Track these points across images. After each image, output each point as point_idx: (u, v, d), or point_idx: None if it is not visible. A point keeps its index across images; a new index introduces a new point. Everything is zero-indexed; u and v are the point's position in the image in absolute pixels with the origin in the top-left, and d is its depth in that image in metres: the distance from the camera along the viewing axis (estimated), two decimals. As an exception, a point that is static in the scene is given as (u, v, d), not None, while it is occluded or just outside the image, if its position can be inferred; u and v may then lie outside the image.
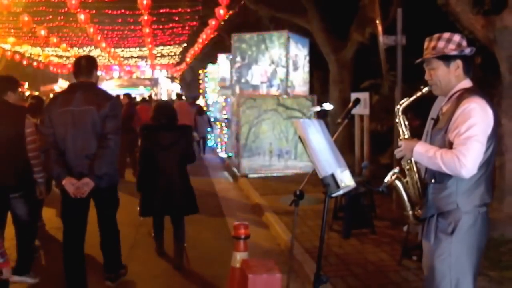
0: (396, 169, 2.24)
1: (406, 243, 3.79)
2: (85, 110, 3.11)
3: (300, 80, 8.68)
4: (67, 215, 3.23)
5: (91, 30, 13.40)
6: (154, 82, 32.82)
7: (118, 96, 7.73)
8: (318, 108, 8.09)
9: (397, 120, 2.26)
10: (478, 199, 2.03)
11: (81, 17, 11.09)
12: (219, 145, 11.40)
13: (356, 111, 6.86)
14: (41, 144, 3.37)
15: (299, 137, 2.13)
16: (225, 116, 10.28)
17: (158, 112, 3.95)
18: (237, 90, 8.50)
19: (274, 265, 2.52)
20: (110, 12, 12.94)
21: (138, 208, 4.04)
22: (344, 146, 8.73)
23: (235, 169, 8.39)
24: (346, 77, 9.42)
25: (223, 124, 10.63)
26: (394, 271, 3.63)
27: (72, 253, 3.28)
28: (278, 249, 4.48)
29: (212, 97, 12.99)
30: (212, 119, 12.45)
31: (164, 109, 4.03)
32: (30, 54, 21.34)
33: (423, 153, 2.03)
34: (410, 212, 2.23)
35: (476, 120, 1.94)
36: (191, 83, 27.59)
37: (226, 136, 10.41)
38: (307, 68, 8.93)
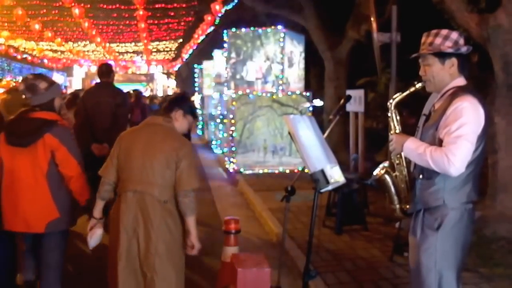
0: (386, 163, 2.25)
1: (398, 240, 3.80)
2: (107, 101, 4.64)
3: (295, 76, 8.67)
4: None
5: (86, 24, 13.30)
6: (150, 78, 32.72)
7: (128, 92, 9.28)
8: (308, 104, 8.08)
9: (389, 115, 2.27)
10: (465, 196, 2.05)
11: (76, 11, 11.00)
12: (213, 141, 11.38)
13: (351, 108, 6.89)
14: (77, 121, 4.77)
15: (289, 133, 2.13)
16: (220, 112, 10.25)
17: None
18: (232, 86, 8.48)
19: (264, 259, 2.52)
20: (105, 6, 12.85)
21: None
22: (339, 144, 8.76)
23: (229, 165, 8.39)
24: (342, 74, 9.43)
25: (218, 120, 10.61)
26: (385, 267, 3.65)
27: None
28: (271, 244, 4.49)
29: (207, 93, 12.95)
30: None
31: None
32: (24, 48, 21.18)
33: (413, 149, 2.04)
34: (397, 206, 2.26)
35: (467, 119, 1.95)
36: (186, 79, 27.51)
37: (220, 132, 10.39)
38: (302, 65, 8.91)
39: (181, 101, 2.61)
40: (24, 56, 23.01)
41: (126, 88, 10.60)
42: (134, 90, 10.23)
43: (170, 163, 2.40)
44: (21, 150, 2.60)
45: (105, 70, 4.85)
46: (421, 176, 2.11)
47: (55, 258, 2.71)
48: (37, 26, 13.11)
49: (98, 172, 2.57)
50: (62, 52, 22.79)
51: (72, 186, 2.66)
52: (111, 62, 29.63)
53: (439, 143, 2.01)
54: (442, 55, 2.08)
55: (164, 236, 2.37)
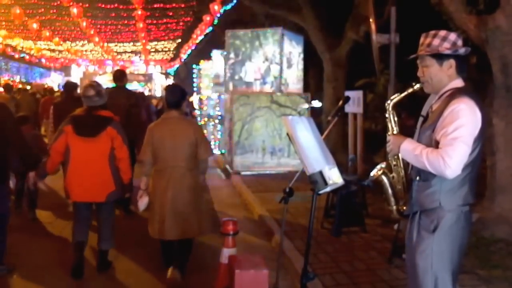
0: (383, 164, 2.25)
1: (397, 241, 3.79)
2: (122, 102, 5.38)
3: (294, 77, 8.66)
4: None
5: (84, 24, 13.26)
6: (148, 78, 32.62)
7: (141, 92, 10.40)
8: (306, 106, 8.06)
9: (386, 116, 2.26)
10: (461, 198, 2.04)
11: (74, 10, 10.96)
12: (212, 142, 11.36)
13: (349, 109, 6.88)
14: None
15: (287, 134, 2.12)
16: (219, 113, 10.23)
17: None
18: (231, 86, 8.46)
19: (261, 261, 2.51)
20: (103, 6, 12.82)
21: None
22: (338, 145, 8.75)
23: (227, 166, 8.37)
24: (340, 75, 9.42)
25: (216, 121, 10.58)
26: (383, 269, 3.64)
27: None
28: (269, 246, 4.47)
29: (206, 93, 12.92)
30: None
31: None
32: (22, 47, 21.10)
33: (410, 150, 2.04)
34: (394, 207, 2.25)
35: (463, 121, 1.94)
36: (185, 79, 27.46)
37: (219, 133, 10.38)
38: (301, 66, 8.90)
39: (184, 95, 3.63)
40: (22, 55, 22.94)
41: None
42: (139, 92, 10.89)
43: (191, 143, 3.46)
44: (89, 139, 3.50)
45: (119, 75, 5.82)
46: (417, 178, 2.11)
47: (110, 220, 3.75)
48: (35, 25, 13.07)
49: (139, 157, 3.61)
50: (60, 51, 22.74)
51: (121, 166, 3.60)
52: (109, 62, 29.63)
53: (436, 144, 2.00)
54: (440, 57, 2.07)
55: (189, 193, 3.45)
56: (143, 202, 3.51)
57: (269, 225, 4.85)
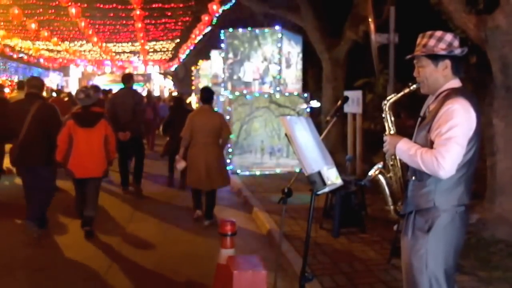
0: (380, 164, 2.24)
1: (396, 242, 3.76)
2: (129, 102, 6.38)
3: (293, 77, 8.64)
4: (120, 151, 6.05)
5: (82, 24, 13.23)
6: (147, 78, 32.63)
7: (149, 91, 11.06)
8: (305, 106, 8.04)
9: (383, 116, 2.25)
10: (456, 199, 2.03)
11: (72, 10, 10.92)
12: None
13: (348, 109, 6.86)
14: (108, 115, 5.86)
15: (286, 134, 2.10)
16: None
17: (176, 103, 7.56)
18: (229, 86, 8.44)
19: (260, 262, 2.49)
20: (101, 6, 12.78)
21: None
22: (337, 145, 8.72)
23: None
24: (340, 75, 9.39)
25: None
26: (383, 270, 3.62)
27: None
28: (268, 246, 4.45)
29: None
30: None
31: (180, 101, 7.73)
32: (21, 47, 21.05)
33: (405, 150, 2.04)
34: (392, 207, 2.25)
35: (457, 121, 1.93)
36: (183, 79, 27.44)
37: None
38: (300, 66, 8.88)
39: (212, 94, 5.31)
40: (20, 55, 22.88)
41: (117, 87, 10.67)
42: (147, 91, 11.43)
43: (218, 126, 5.02)
44: (88, 129, 4.54)
45: (127, 78, 6.73)
46: (413, 178, 2.11)
47: (97, 192, 4.80)
48: (33, 26, 13.02)
49: (181, 134, 5.10)
50: (59, 51, 22.68)
51: (111, 147, 4.73)
52: (108, 62, 29.51)
53: (431, 144, 2.00)
54: (435, 57, 2.06)
55: (217, 160, 5.06)
56: (180, 165, 5.14)
57: (268, 225, 4.83)
